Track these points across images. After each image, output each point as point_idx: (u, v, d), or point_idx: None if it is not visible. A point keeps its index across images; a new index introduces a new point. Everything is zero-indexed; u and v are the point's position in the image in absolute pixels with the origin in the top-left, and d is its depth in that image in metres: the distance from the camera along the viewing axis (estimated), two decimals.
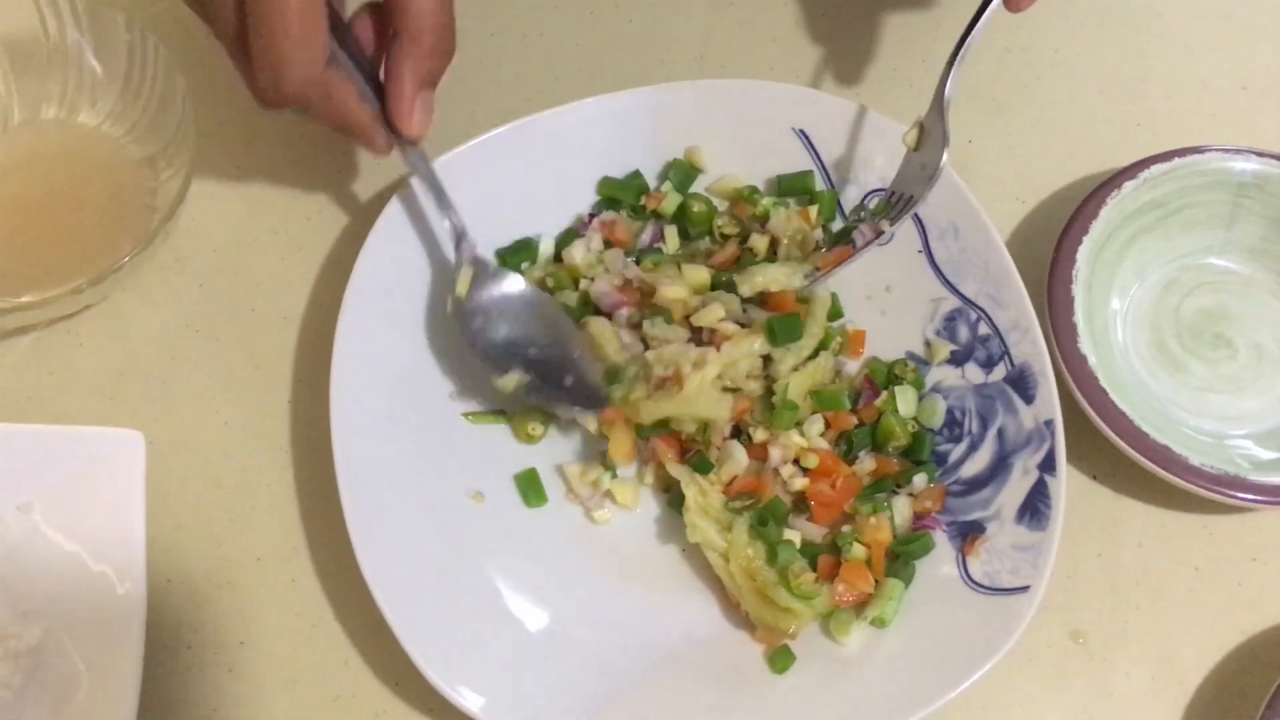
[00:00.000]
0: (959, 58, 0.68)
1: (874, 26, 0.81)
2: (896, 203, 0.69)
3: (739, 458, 0.67)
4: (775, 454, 0.67)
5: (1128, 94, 0.80)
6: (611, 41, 0.81)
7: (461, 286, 0.67)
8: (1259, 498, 0.66)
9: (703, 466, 0.67)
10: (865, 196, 0.73)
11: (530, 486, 0.68)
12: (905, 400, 0.68)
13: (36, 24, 0.73)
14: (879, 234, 0.68)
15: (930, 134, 0.69)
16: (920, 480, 0.67)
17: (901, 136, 0.70)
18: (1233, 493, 0.66)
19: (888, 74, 0.80)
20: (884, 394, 0.69)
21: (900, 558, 0.65)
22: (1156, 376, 0.72)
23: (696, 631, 0.65)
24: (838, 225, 0.73)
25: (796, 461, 0.67)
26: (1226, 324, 0.73)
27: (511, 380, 0.66)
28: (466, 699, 0.60)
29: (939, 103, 0.68)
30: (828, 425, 0.68)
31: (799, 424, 0.67)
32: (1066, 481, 0.64)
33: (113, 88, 0.74)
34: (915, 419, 0.69)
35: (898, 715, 0.60)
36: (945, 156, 0.67)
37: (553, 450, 0.70)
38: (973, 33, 0.68)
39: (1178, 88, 0.80)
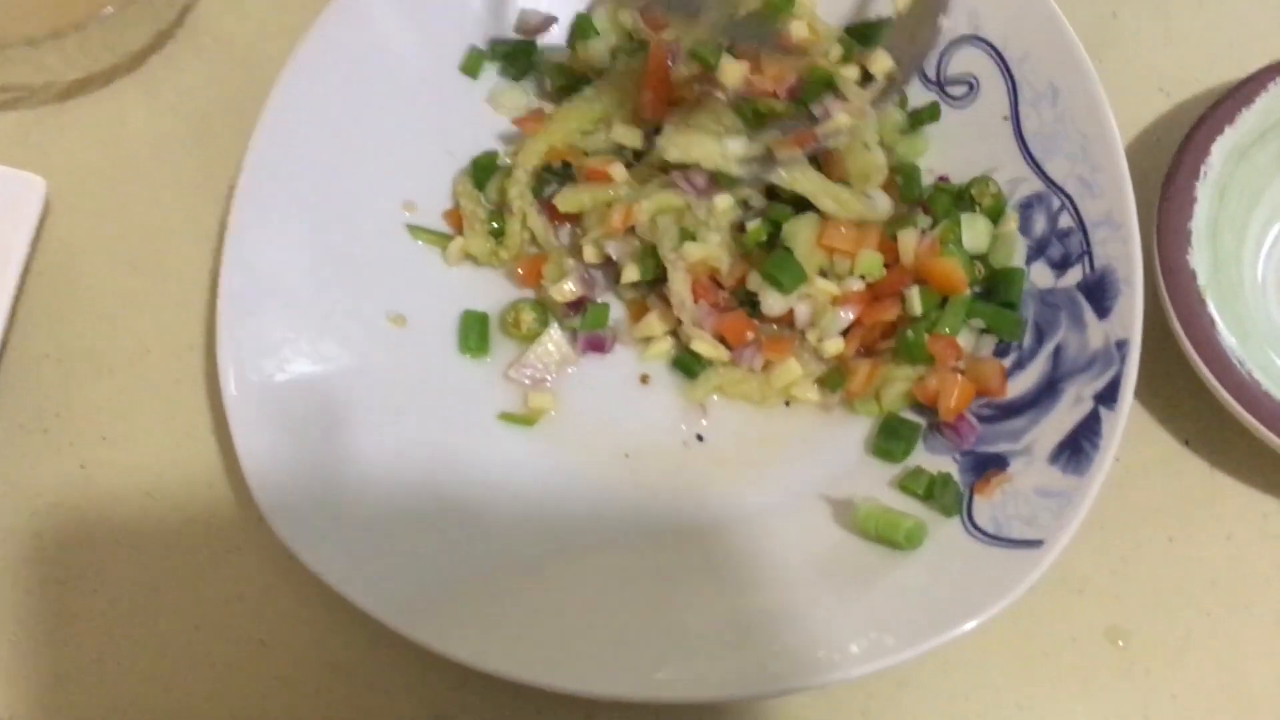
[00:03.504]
0: None
1: None
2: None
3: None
4: (803, 313, 0.54)
5: None
6: None
7: None
8: None
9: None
10: (944, 50, 0.57)
11: (473, 331, 0.57)
12: (974, 231, 0.54)
13: None
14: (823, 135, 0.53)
15: None
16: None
17: None
18: None
19: None
20: (942, 223, 0.54)
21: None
22: None
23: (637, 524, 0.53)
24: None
25: None
26: None
27: None
28: (305, 554, 0.49)
29: None
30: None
31: (823, 273, 0.54)
32: (1129, 423, 0.49)
33: None
34: (984, 259, 0.54)
35: (833, 670, 0.46)
36: (943, 22, 0.54)
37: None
38: None
39: None
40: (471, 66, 0.60)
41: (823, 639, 0.47)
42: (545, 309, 0.57)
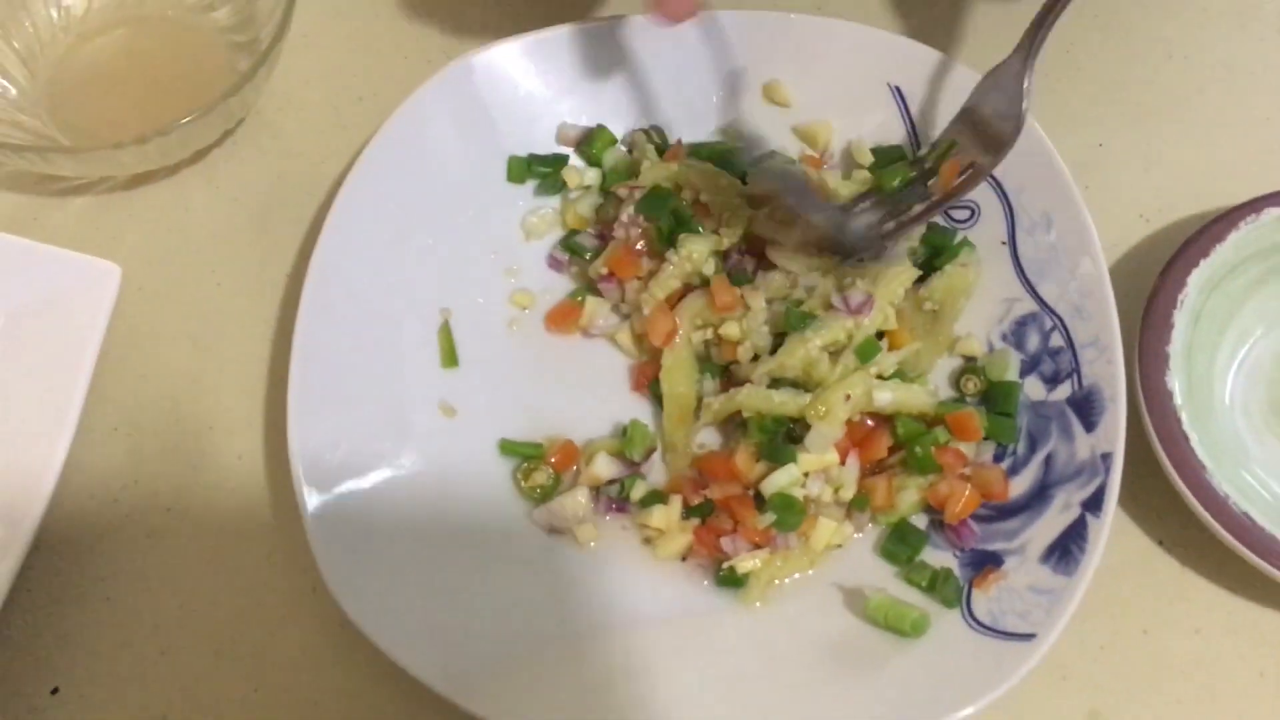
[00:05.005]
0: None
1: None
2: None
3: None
4: (816, 488, 0.58)
5: None
6: None
7: None
8: None
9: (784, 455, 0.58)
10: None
11: (515, 449, 0.61)
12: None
13: None
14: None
15: (1001, 84, 0.58)
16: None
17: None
18: None
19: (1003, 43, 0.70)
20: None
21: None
22: (1263, 440, 0.60)
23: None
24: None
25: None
26: None
27: None
28: (365, 622, 0.54)
29: (1026, 51, 0.58)
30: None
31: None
32: (1111, 528, 0.54)
33: None
34: (982, 371, 0.60)
35: None
36: (1027, 118, 0.57)
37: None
38: None
39: None
40: (517, 173, 0.65)
41: (835, 718, 0.52)
42: (559, 476, 0.60)
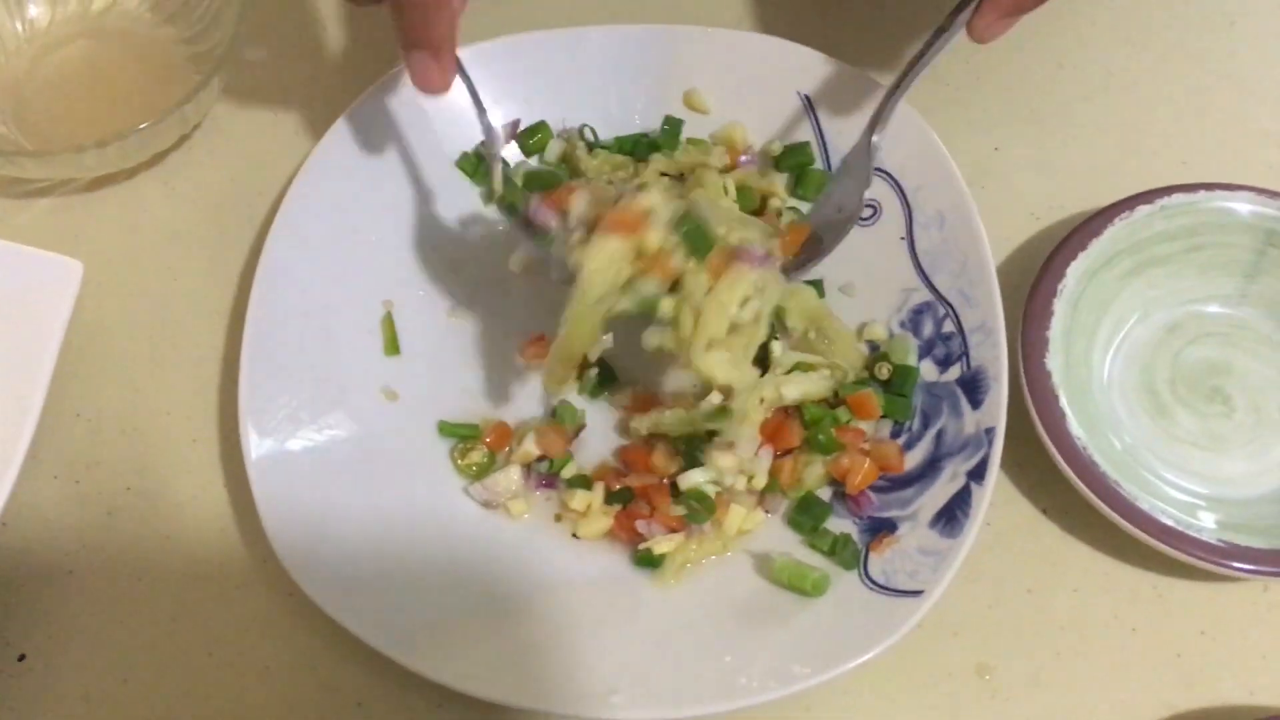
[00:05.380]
0: (903, 87, 0.64)
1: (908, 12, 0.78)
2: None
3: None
4: (730, 480, 0.63)
5: (1178, 129, 0.75)
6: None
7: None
8: (1214, 561, 0.59)
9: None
10: None
11: (453, 430, 0.66)
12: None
13: None
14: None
15: (851, 168, 0.65)
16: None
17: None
18: (1183, 549, 0.60)
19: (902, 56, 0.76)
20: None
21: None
22: (1136, 418, 0.66)
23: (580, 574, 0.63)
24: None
25: None
26: (1228, 379, 0.67)
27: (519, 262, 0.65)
28: (312, 589, 0.58)
29: (868, 135, 0.64)
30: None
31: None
32: (998, 494, 0.60)
33: None
34: (886, 357, 0.65)
35: (751, 695, 0.56)
36: (863, 198, 0.64)
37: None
38: (922, 62, 0.63)
39: (1235, 130, 0.74)
40: (469, 168, 0.70)
41: (744, 668, 0.57)
42: (494, 455, 0.65)
